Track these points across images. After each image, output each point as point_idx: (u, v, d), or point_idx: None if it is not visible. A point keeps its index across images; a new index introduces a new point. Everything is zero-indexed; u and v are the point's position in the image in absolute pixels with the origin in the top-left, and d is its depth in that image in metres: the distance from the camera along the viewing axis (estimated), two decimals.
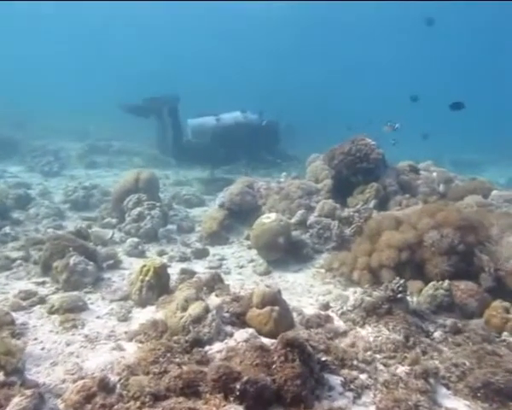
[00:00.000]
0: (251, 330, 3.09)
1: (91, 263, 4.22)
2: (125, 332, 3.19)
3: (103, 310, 3.62)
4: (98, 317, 3.48)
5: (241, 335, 3.04)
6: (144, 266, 3.84)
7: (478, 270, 3.87)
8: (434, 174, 6.29)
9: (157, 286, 3.76)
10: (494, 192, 5.35)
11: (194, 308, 3.08)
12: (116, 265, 4.75)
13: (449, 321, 3.44)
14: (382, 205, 5.65)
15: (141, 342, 3.03)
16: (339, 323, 3.54)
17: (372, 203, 5.54)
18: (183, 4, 32.10)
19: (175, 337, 2.94)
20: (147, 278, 3.76)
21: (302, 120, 15.35)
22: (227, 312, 3.32)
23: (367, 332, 3.34)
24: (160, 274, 3.82)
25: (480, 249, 3.87)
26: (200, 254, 5.43)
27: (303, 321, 3.44)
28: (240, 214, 6.39)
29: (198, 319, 3.04)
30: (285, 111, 11.44)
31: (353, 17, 34.04)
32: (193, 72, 35.56)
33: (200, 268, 4.98)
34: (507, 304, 3.53)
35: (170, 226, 6.37)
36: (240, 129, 9.73)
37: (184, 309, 3.10)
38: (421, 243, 4.07)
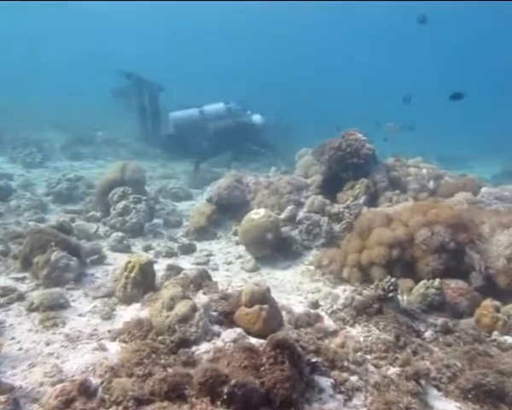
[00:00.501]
0: (239, 330, 3.00)
1: (74, 258, 4.09)
2: (109, 331, 3.07)
3: (86, 307, 3.50)
4: (80, 315, 3.35)
5: (229, 335, 2.95)
6: (129, 262, 3.72)
7: (468, 268, 3.85)
8: (424, 170, 6.26)
9: (142, 283, 3.65)
10: (484, 189, 5.34)
11: (181, 307, 2.99)
12: (100, 260, 4.61)
13: (439, 321, 3.41)
14: (372, 201, 5.60)
15: (125, 341, 2.92)
16: (329, 322, 3.48)
17: (362, 199, 5.48)
18: None
19: (160, 337, 2.84)
20: (132, 275, 3.64)
21: (294, 118, 15.34)
22: (215, 310, 3.23)
23: (357, 332, 3.28)
24: (146, 271, 3.71)
25: (471, 248, 3.84)
26: (187, 250, 5.33)
27: (292, 320, 3.37)
28: (228, 209, 6.29)
29: (184, 319, 2.94)
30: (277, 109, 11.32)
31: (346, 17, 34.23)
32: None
33: (187, 264, 4.88)
34: (497, 303, 3.51)
35: (156, 221, 6.26)
36: (224, 121, 9.59)
37: (170, 308, 3.01)
38: (412, 240, 4.03)
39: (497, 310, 3.46)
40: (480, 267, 3.69)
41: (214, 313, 3.21)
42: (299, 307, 3.72)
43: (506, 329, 3.35)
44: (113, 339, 2.97)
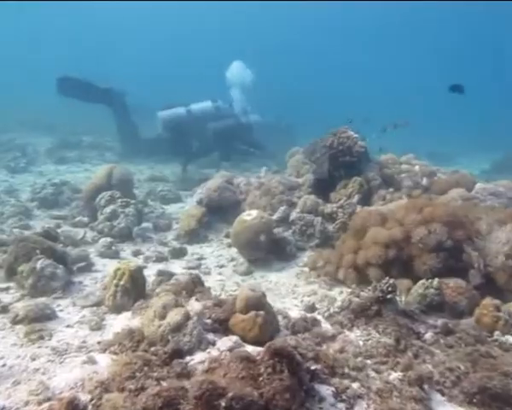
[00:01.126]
0: (235, 338, 2.89)
1: (61, 266, 3.94)
2: (98, 343, 2.94)
3: (74, 318, 3.36)
4: (68, 326, 3.21)
5: (224, 343, 2.84)
6: (118, 269, 3.59)
7: (466, 266, 3.79)
8: (417, 167, 6.22)
9: (133, 290, 3.53)
10: (478, 185, 5.30)
11: (173, 316, 2.87)
12: (88, 267, 4.47)
13: (440, 321, 3.34)
14: (366, 200, 5.53)
15: (115, 353, 2.79)
16: (326, 326, 3.39)
17: (356, 198, 5.41)
18: None
19: (153, 348, 2.72)
20: (121, 283, 3.51)
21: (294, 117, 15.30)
22: (209, 318, 3.12)
23: (356, 336, 3.20)
24: (136, 278, 3.58)
25: (469, 245, 3.78)
26: (178, 254, 5.21)
27: (289, 325, 3.28)
28: (219, 211, 6.18)
29: (177, 328, 2.83)
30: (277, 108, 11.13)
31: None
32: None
33: (178, 269, 4.76)
34: (497, 302, 3.45)
35: (145, 224, 6.11)
36: (211, 119, 9.42)
37: (162, 317, 2.89)
38: (408, 239, 3.96)
39: (498, 309, 3.40)
40: (479, 265, 3.64)
41: (208, 321, 3.10)
42: (295, 311, 3.63)
43: (507, 328, 3.29)
44: (103, 351, 2.84)
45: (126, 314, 3.38)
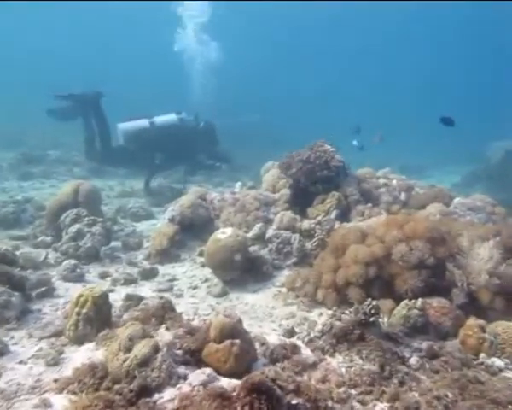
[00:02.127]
0: (208, 371, 2.67)
1: (16, 293, 3.63)
2: (55, 381, 2.66)
3: (29, 352, 3.06)
4: (21, 362, 2.91)
5: (196, 377, 2.61)
6: (81, 295, 3.31)
7: (449, 285, 3.69)
8: (394, 182, 6.18)
9: (96, 319, 3.25)
10: (456, 200, 5.28)
11: (141, 348, 2.63)
12: (49, 292, 4.15)
13: (424, 344, 3.22)
14: (344, 215, 5.42)
15: (74, 393, 2.52)
16: (306, 352, 3.20)
17: (334, 214, 5.30)
18: None
19: (117, 386, 2.47)
20: (84, 311, 3.24)
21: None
22: (180, 348, 2.89)
23: (338, 362, 3.03)
24: (100, 304, 3.31)
25: (451, 262, 3.69)
26: (149, 275, 4.94)
27: (267, 353, 3.07)
28: (192, 229, 5.95)
29: (145, 361, 2.59)
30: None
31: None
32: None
33: (149, 292, 4.50)
34: (482, 322, 3.35)
35: (114, 244, 5.81)
36: (176, 132, 9.11)
37: (128, 350, 2.64)
38: (389, 256, 3.84)
39: (483, 330, 3.30)
40: (462, 284, 3.54)
41: (179, 352, 2.86)
42: (273, 337, 3.43)
43: (493, 350, 3.19)
44: (60, 391, 2.56)
45: (89, 346, 3.11)
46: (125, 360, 2.58)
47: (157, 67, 30.60)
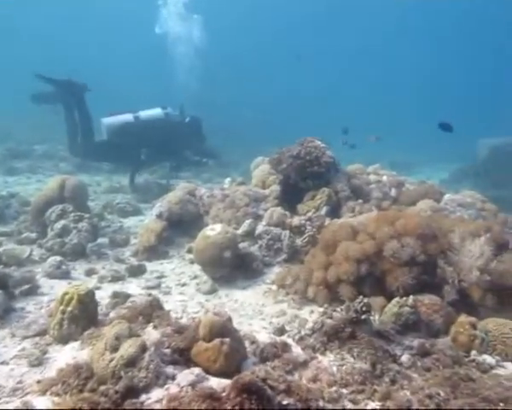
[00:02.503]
0: (197, 370, 2.61)
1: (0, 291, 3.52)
2: (38, 382, 2.58)
3: (11, 352, 2.96)
4: (3, 362, 2.82)
5: (185, 377, 2.55)
6: (66, 293, 3.23)
7: (440, 282, 3.68)
8: (384, 178, 6.16)
9: (82, 317, 3.17)
10: (447, 196, 5.27)
11: (127, 347, 2.56)
12: (33, 290, 4.05)
13: (416, 342, 3.19)
14: (334, 211, 5.39)
15: (57, 395, 2.44)
16: (297, 350, 3.16)
17: (324, 210, 5.26)
18: None
19: (102, 387, 2.39)
20: (69, 309, 3.15)
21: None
22: (168, 347, 2.82)
23: (329, 361, 2.98)
24: (86, 302, 3.23)
25: (443, 259, 3.67)
26: (136, 272, 4.86)
27: (257, 352, 3.02)
28: (180, 225, 5.87)
29: (132, 362, 2.51)
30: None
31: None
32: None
33: (136, 288, 4.42)
34: (473, 319, 3.34)
35: (101, 240, 5.72)
36: (161, 126, 8.93)
37: (115, 349, 2.57)
38: (380, 253, 3.81)
39: (474, 327, 3.28)
40: (453, 280, 3.52)
41: (167, 351, 2.79)
42: (263, 335, 3.38)
43: (484, 347, 3.17)
44: (43, 392, 2.48)
45: (74, 345, 3.02)
46: (110, 360, 2.51)
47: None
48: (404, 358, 3.03)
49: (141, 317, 3.22)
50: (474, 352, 3.15)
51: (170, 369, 2.64)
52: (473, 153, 14.78)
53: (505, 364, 3.07)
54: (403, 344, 3.18)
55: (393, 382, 2.79)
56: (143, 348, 2.59)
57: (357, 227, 4.19)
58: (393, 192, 5.62)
